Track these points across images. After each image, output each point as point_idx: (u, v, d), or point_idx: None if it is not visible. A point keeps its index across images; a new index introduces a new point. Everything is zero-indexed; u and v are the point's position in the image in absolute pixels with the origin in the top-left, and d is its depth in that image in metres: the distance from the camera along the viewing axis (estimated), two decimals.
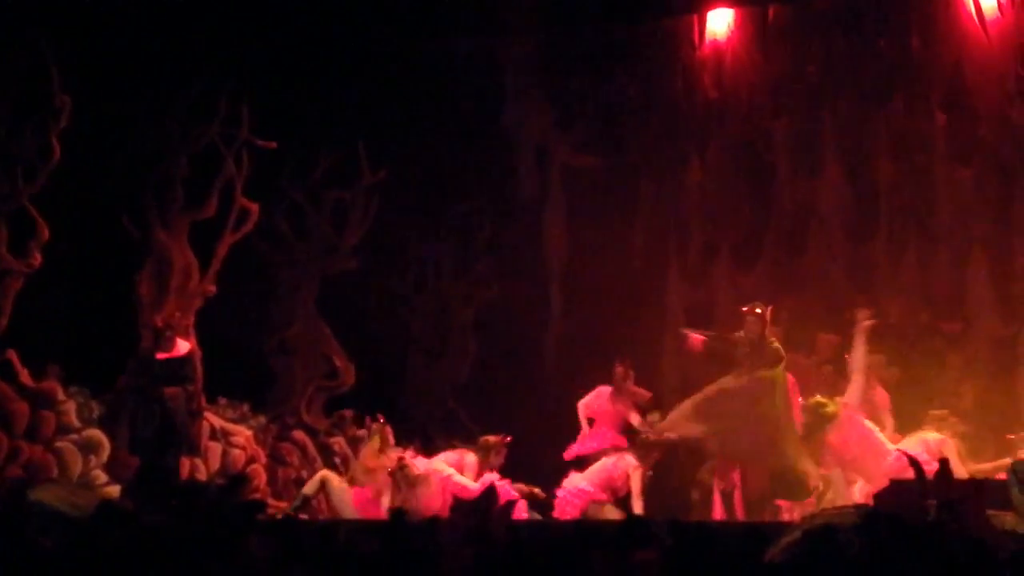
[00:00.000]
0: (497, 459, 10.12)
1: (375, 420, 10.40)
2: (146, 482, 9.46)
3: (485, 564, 5.33)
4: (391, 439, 10.35)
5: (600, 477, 10.10)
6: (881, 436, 9.79)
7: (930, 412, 10.19)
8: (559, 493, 10.08)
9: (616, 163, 12.83)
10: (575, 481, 10.14)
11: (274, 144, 11.33)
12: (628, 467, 10.06)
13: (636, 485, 9.99)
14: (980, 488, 7.26)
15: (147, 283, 10.79)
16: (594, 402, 10.52)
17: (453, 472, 10.00)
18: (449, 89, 12.62)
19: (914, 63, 12.23)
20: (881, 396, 10.51)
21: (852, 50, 12.44)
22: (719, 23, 12.75)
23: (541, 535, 6.71)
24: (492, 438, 10.16)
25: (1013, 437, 9.95)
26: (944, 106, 12.18)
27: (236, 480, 7.58)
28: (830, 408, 9.80)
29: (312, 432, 11.84)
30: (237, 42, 11.05)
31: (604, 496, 10.05)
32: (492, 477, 9.89)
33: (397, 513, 7.15)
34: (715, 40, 12.70)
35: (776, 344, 9.93)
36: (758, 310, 9.88)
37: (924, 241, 12.23)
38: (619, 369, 10.43)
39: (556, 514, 10.00)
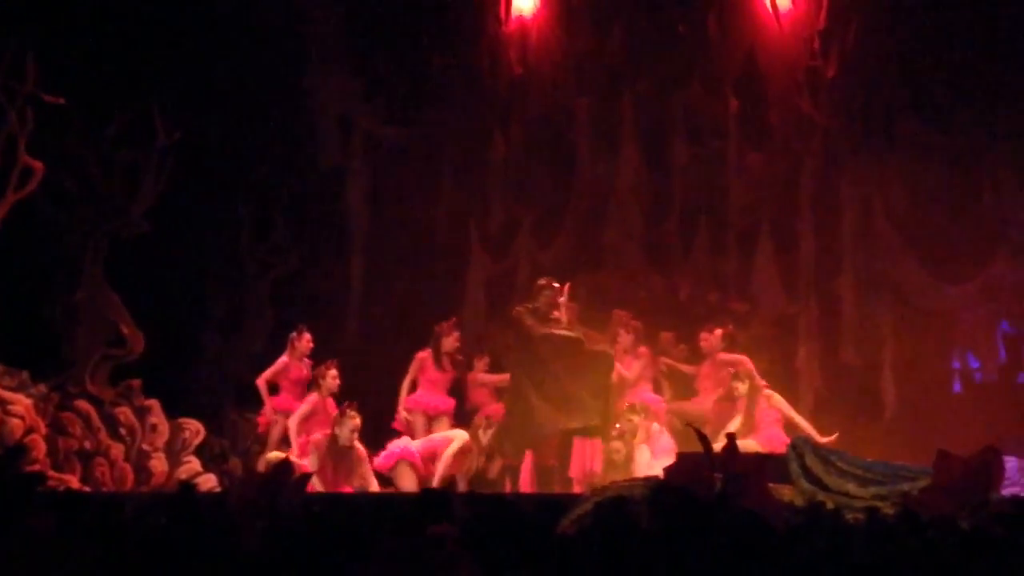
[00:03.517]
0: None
1: None
2: None
3: (277, 538, 5.23)
4: None
5: (426, 447, 10.25)
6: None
7: None
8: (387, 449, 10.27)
9: (420, 134, 12.78)
10: (404, 442, 10.28)
11: (62, 100, 10.85)
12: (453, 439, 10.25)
13: (448, 454, 10.17)
14: (763, 462, 7.56)
15: None
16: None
17: None
18: (250, 51, 12.28)
19: (711, 49, 12.58)
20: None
21: (652, 33, 12.71)
22: None
23: (335, 509, 6.65)
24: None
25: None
26: (737, 92, 12.58)
27: (13, 451, 7.23)
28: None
29: (97, 402, 11.43)
30: None
31: (422, 467, 10.19)
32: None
33: (186, 487, 6.96)
34: (521, 16, 12.77)
35: (563, 319, 10.19)
36: (556, 284, 10.11)
37: (715, 222, 12.63)
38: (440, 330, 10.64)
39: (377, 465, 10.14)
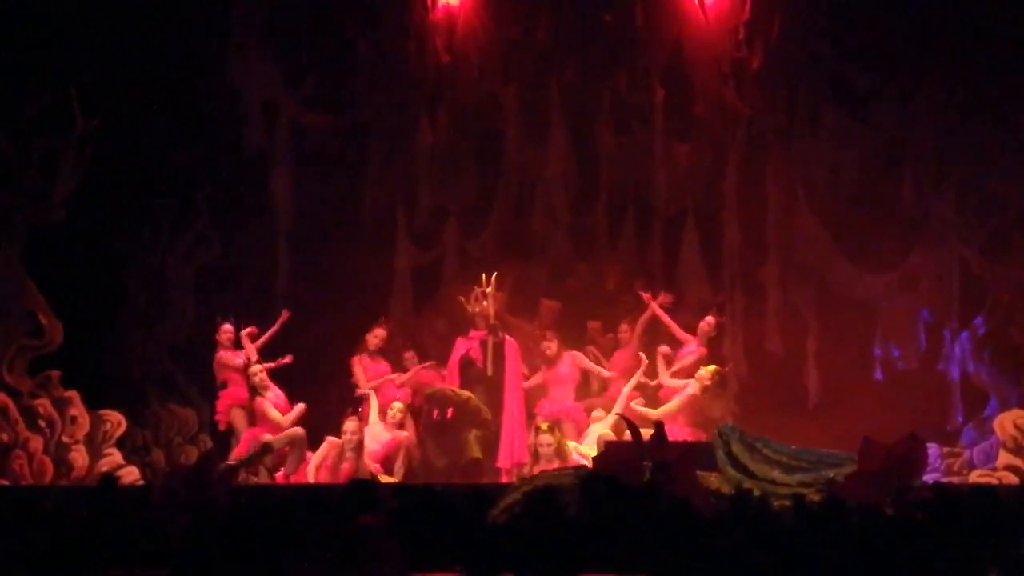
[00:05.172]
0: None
1: None
2: None
3: (204, 530, 5.15)
4: None
5: (384, 452, 10.40)
6: None
7: None
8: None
9: (346, 122, 12.65)
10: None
11: None
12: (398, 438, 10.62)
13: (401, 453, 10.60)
14: (690, 451, 7.63)
15: None
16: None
17: None
18: (172, 36, 12.05)
19: (637, 39, 12.61)
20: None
21: (579, 22, 12.71)
22: None
23: (264, 500, 6.57)
24: None
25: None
26: (664, 82, 12.63)
27: None
28: None
29: (14, 393, 11.20)
30: None
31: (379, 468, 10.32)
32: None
33: (107, 479, 6.83)
34: (448, 3, 12.70)
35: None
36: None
37: (641, 212, 12.68)
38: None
39: None
